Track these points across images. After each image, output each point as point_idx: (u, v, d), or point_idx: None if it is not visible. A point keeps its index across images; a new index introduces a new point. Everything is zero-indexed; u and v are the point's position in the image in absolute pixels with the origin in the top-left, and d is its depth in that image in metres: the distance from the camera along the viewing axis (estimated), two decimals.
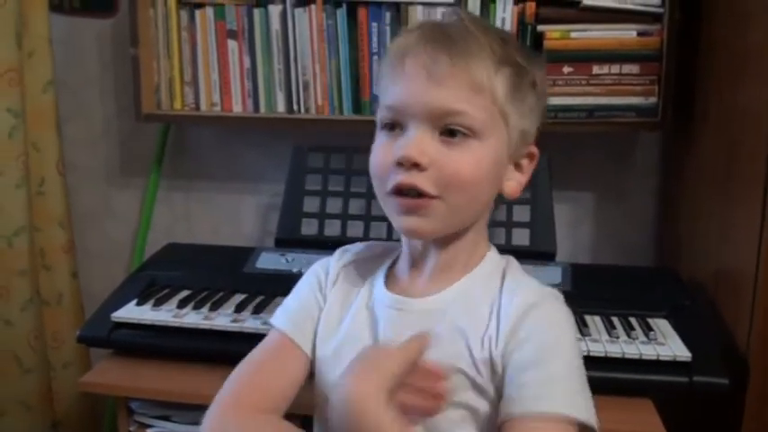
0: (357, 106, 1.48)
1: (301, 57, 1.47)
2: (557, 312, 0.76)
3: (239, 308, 1.22)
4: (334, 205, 1.44)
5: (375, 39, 1.43)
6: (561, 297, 0.79)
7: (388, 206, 0.77)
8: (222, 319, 1.19)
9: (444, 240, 0.79)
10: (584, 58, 1.35)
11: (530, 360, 0.72)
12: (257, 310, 1.21)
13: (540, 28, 1.34)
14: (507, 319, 0.75)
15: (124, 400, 1.20)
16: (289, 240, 1.41)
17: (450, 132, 0.74)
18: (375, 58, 1.44)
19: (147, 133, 1.67)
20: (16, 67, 1.51)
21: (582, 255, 1.61)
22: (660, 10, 1.33)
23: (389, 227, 1.39)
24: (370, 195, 1.42)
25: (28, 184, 1.55)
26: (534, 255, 1.32)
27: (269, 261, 1.35)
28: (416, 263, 0.82)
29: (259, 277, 1.32)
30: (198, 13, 1.48)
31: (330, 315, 0.84)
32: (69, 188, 1.67)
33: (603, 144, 1.54)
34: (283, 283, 1.24)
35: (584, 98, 1.36)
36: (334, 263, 0.89)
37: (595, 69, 1.35)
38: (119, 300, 1.26)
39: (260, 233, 1.67)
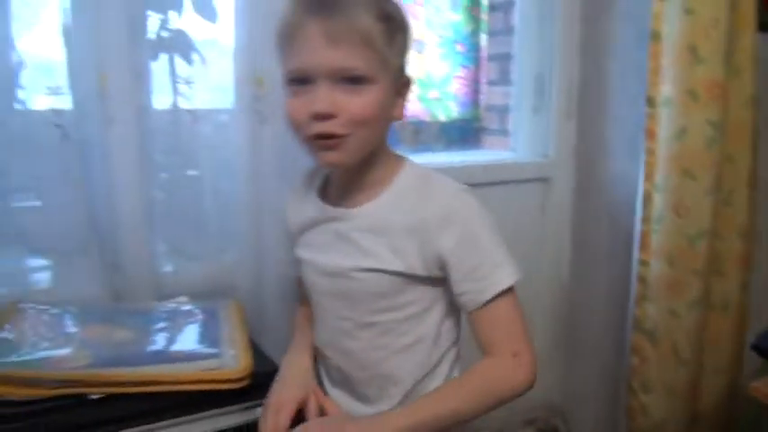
0: None
1: None
2: (460, 219, 0.98)
3: None
4: None
5: None
6: (467, 190, 1.02)
7: (310, 147, 0.98)
8: None
9: (358, 164, 1.00)
10: None
11: (461, 256, 0.98)
12: None
13: None
14: (430, 222, 0.98)
15: None
16: None
17: (350, 80, 0.92)
18: None
19: None
20: (722, 83, 1.61)
21: None
22: None
23: None
24: None
25: (717, 192, 1.64)
26: None
27: None
28: (343, 183, 1.05)
29: None
30: None
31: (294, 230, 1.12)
32: (756, 202, 1.71)
33: None
34: None
35: None
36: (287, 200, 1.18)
37: None
38: None
39: None
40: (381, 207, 1.01)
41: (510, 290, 1.00)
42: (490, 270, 0.98)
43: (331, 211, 1.05)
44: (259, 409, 1.06)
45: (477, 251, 0.98)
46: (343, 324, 1.06)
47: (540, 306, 2.11)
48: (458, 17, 2.22)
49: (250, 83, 1.40)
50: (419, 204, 0.99)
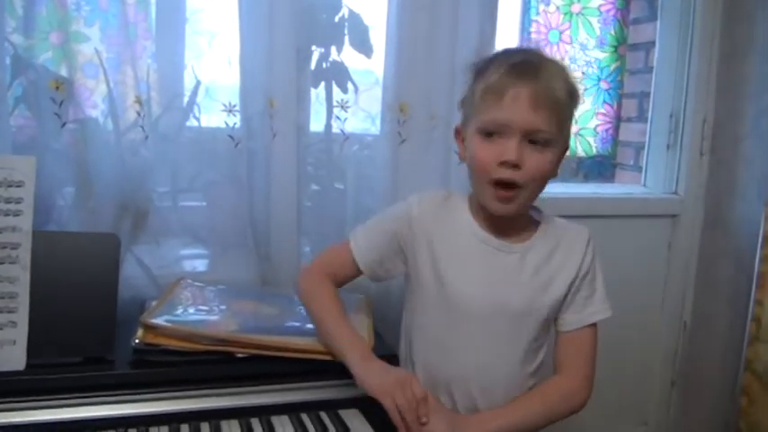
0: None
1: None
2: (591, 248, 1.21)
3: None
4: None
5: None
6: (588, 231, 1.23)
7: (486, 192, 1.14)
8: None
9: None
10: None
11: (583, 283, 1.21)
12: None
13: None
14: (566, 265, 1.20)
15: None
16: None
17: (533, 141, 1.09)
18: None
19: None
20: None
21: None
22: None
23: None
24: None
25: None
26: None
27: None
28: (501, 221, 1.18)
29: None
30: None
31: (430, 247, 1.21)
32: None
33: None
34: None
35: None
36: (418, 210, 1.23)
37: None
38: None
39: None
40: (541, 246, 1.21)
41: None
42: (598, 302, 1.22)
43: (496, 242, 1.20)
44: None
45: (594, 284, 1.22)
46: (497, 349, 1.21)
47: (659, 342, 2.15)
48: (604, 55, 2.30)
49: (395, 109, 1.60)
50: (569, 243, 1.22)
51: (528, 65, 1.09)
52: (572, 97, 1.13)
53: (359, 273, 1.28)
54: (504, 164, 1.09)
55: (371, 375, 1.10)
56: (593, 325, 1.22)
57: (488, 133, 1.11)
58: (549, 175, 1.14)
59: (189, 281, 1.46)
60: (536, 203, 1.22)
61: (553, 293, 1.19)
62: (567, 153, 1.19)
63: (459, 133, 1.22)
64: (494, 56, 1.17)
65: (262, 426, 1.13)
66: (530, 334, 1.20)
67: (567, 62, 2.21)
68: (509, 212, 1.14)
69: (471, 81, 1.17)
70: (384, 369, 1.12)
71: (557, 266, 1.20)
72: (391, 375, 1.09)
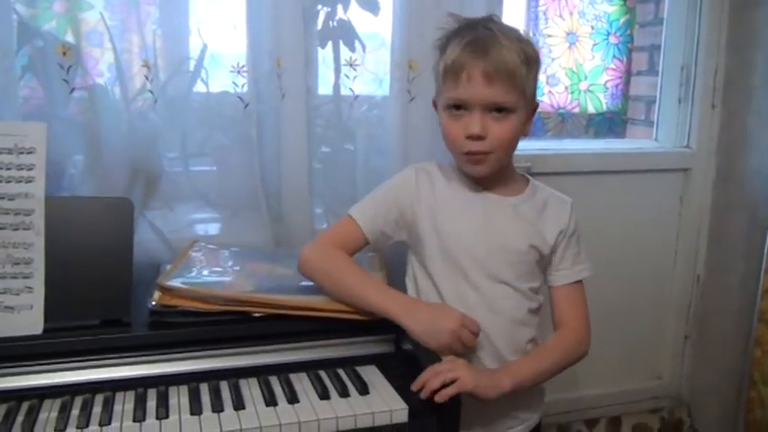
0: None
1: None
2: (575, 213, 1.34)
3: None
4: None
5: None
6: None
7: (462, 160, 1.26)
8: None
9: (498, 171, 1.28)
10: None
11: (570, 242, 1.32)
12: None
13: None
14: (556, 219, 1.31)
15: None
16: None
17: (496, 110, 1.20)
18: None
19: None
20: None
21: None
22: None
23: None
24: None
25: None
26: None
27: None
28: (496, 181, 1.31)
29: None
30: None
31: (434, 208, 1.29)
32: None
33: None
34: None
35: None
36: (415, 177, 1.32)
37: None
38: None
39: None
40: (533, 202, 1.33)
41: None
42: (584, 260, 1.35)
43: (490, 195, 1.32)
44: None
45: (579, 244, 1.35)
46: (501, 299, 1.29)
47: (672, 296, 2.15)
48: (613, 8, 2.27)
49: (404, 67, 1.59)
50: (556, 204, 1.34)
51: (480, 42, 1.19)
52: (528, 63, 1.21)
53: (365, 243, 1.32)
54: (470, 137, 1.21)
55: (419, 323, 1.18)
56: (581, 282, 1.33)
57: (455, 108, 1.22)
58: (516, 137, 1.25)
59: (202, 244, 1.47)
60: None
61: (545, 238, 1.30)
62: (539, 111, 1.33)
63: (435, 104, 1.33)
64: (453, 32, 1.25)
65: (281, 383, 1.14)
66: (528, 277, 1.30)
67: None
68: (484, 173, 1.26)
69: (437, 56, 1.27)
70: (431, 316, 1.19)
71: (547, 220, 1.31)
72: (441, 324, 1.17)
